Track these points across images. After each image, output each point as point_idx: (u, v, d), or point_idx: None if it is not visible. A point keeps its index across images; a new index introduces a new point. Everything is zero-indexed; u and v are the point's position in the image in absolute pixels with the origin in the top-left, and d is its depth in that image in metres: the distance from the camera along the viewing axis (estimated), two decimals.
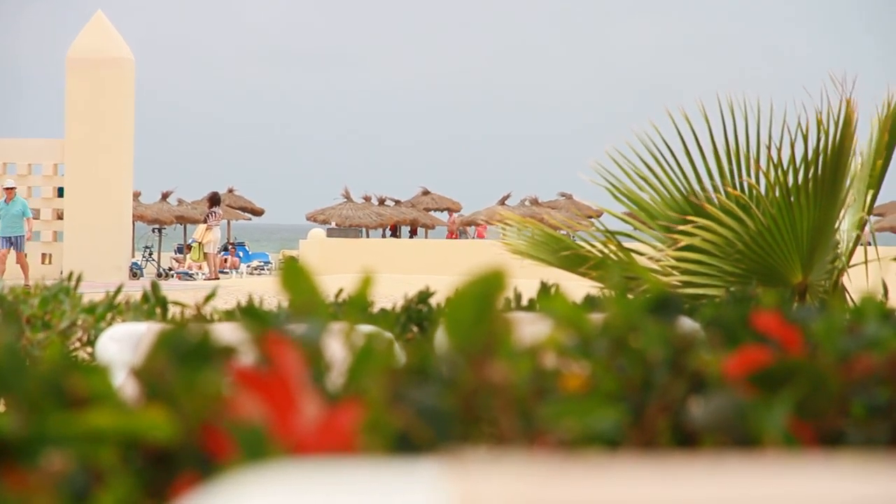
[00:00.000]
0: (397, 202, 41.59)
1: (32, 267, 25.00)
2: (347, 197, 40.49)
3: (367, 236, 40.07)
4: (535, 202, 40.40)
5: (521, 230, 6.24)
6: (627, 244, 6.00)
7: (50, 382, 1.15)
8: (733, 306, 2.41)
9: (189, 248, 31.35)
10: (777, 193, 5.70)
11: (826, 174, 5.68)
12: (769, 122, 5.83)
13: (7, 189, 23.17)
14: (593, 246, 5.93)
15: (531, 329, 1.43)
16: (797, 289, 5.71)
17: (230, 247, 34.69)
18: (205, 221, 30.13)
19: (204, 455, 1.13)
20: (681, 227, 5.76)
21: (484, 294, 1.28)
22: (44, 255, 25.75)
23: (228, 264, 33.30)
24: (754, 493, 0.93)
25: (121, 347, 3.43)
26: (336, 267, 27.35)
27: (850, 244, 5.91)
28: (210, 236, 29.66)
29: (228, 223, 38.16)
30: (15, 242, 23.06)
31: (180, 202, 37.83)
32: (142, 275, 28.01)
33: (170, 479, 1.13)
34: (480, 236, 41.08)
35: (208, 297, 3.64)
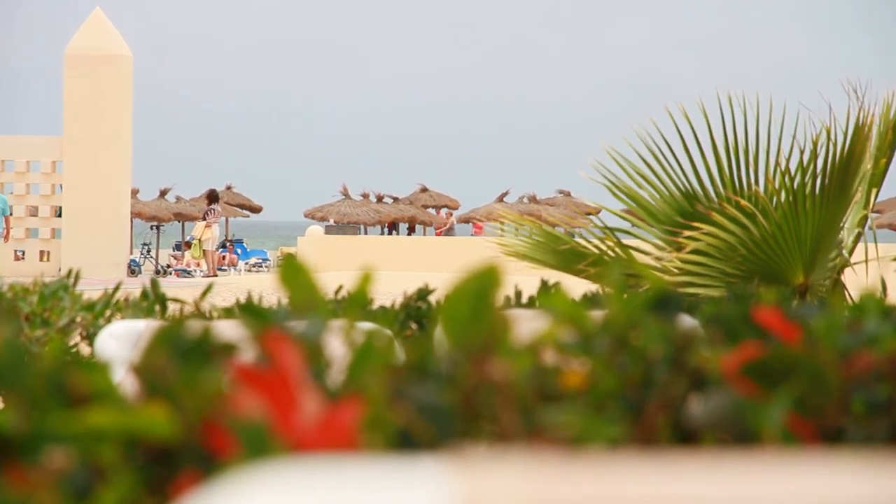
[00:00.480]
0: (395, 199, 41.56)
1: (31, 264, 24.99)
2: (345, 194, 40.45)
3: (366, 233, 40.06)
4: (533, 199, 40.39)
5: (519, 228, 6.24)
6: (627, 241, 6.00)
7: (51, 379, 1.15)
8: (733, 304, 2.41)
9: (187, 245, 31.34)
10: (783, 199, 5.68)
11: (834, 179, 5.67)
12: (768, 121, 5.83)
13: None
14: (590, 243, 5.92)
15: (530, 326, 1.43)
16: (798, 289, 5.71)
17: (228, 244, 34.68)
18: (204, 218, 30.13)
19: (205, 452, 1.13)
20: (686, 234, 5.74)
21: (480, 291, 1.28)
22: (42, 252, 25.74)
23: (227, 261, 33.30)
24: (754, 491, 0.93)
25: (120, 344, 3.43)
26: (334, 264, 27.34)
27: (851, 242, 5.91)
28: (209, 233, 29.67)
29: (227, 220, 38.15)
30: None
31: (178, 199, 37.81)
32: (140, 272, 27.99)
33: (171, 477, 1.13)
34: (478, 233, 41.08)
35: (205, 293, 3.64)
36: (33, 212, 25.72)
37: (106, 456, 1.10)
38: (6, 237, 23.64)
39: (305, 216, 40.55)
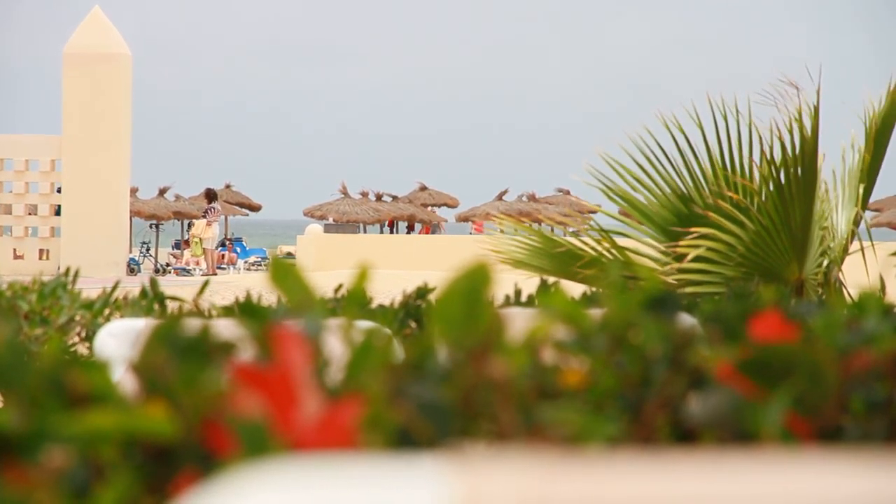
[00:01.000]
0: (395, 198, 41.56)
1: (30, 263, 24.99)
2: (345, 192, 40.45)
3: (365, 232, 40.06)
4: (532, 198, 40.40)
5: (517, 230, 6.24)
6: (624, 242, 6.01)
7: (50, 378, 1.15)
8: (733, 302, 2.41)
9: (187, 243, 31.34)
10: (772, 189, 5.70)
11: (806, 167, 5.69)
12: (750, 120, 5.85)
13: None
14: (587, 244, 5.93)
15: (528, 325, 1.43)
16: (794, 284, 5.71)
17: (228, 243, 34.69)
18: (204, 217, 30.14)
19: (204, 451, 1.14)
20: (685, 242, 5.74)
21: (472, 289, 1.28)
22: (41, 250, 25.74)
23: (226, 260, 33.31)
24: (753, 490, 0.93)
25: (119, 343, 3.43)
26: (333, 263, 27.34)
27: (844, 239, 5.91)
28: (210, 232, 29.69)
29: (226, 219, 38.15)
30: None
31: (178, 198, 37.81)
32: (139, 271, 27.99)
33: (170, 476, 1.13)
34: (478, 231, 41.10)
35: (201, 290, 3.65)
36: (32, 210, 25.72)
37: (105, 455, 1.10)
38: None
39: (305, 215, 40.55)
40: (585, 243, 5.95)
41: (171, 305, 3.95)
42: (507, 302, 4.07)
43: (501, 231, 6.31)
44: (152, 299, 3.97)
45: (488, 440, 1.28)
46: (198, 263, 29.66)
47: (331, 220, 38.89)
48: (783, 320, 1.47)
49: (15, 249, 25.74)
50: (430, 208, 42.20)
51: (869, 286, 1.85)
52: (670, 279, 5.71)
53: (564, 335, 1.44)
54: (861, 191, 5.91)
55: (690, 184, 5.95)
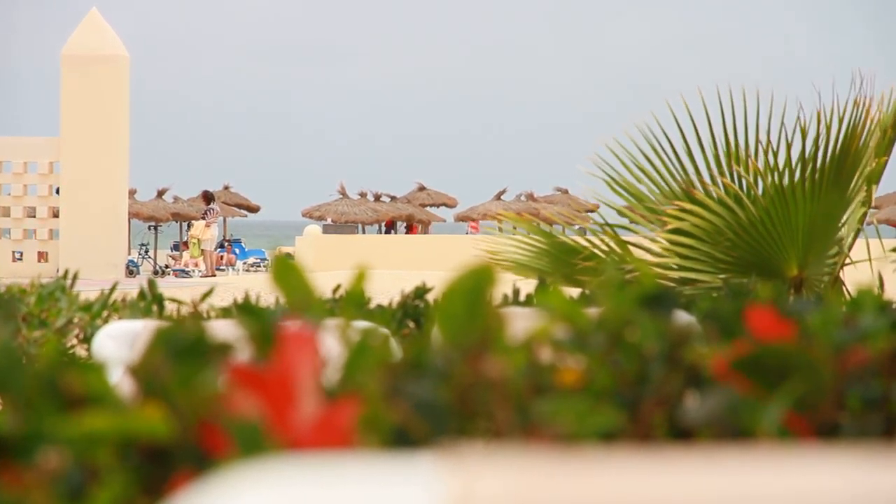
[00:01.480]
0: (393, 198, 41.55)
1: (29, 265, 24.98)
2: (343, 193, 40.42)
3: (363, 232, 40.06)
4: (531, 197, 40.39)
5: (516, 228, 6.24)
6: (625, 237, 6.02)
7: (46, 380, 1.15)
8: (730, 300, 2.41)
9: (186, 245, 31.34)
10: (770, 185, 5.70)
11: (827, 170, 5.68)
12: (769, 114, 5.84)
13: None
14: (588, 240, 5.94)
15: (526, 324, 1.43)
16: (793, 282, 5.71)
17: (226, 244, 34.68)
18: (203, 218, 30.13)
19: (201, 452, 1.14)
20: (668, 209, 5.78)
21: (474, 288, 1.28)
22: (40, 253, 25.73)
23: (225, 261, 33.30)
24: (750, 487, 0.93)
25: (117, 345, 3.43)
26: (332, 263, 27.33)
27: (851, 238, 5.92)
28: (209, 233, 29.69)
29: (224, 220, 38.15)
30: None
31: (176, 199, 37.80)
32: (138, 272, 27.99)
33: (166, 476, 1.13)
34: (474, 231, 41.11)
35: (205, 295, 3.65)
36: (31, 213, 25.70)
37: (101, 457, 1.10)
38: None
39: (303, 215, 40.52)
40: (588, 240, 5.96)
41: (170, 307, 3.95)
42: (506, 302, 4.07)
43: (500, 230, 6.31)
44: (150, 301, 3.97)
45: (485, 439, 1.28)
46: (197, 265, 29.66)
47: (329, 221, 38.87)
48: (778, 317, 1.47)
49: (13, 252, 25.73)
50: (428, 208, 42.19)
51: (867, 283, 1.85)
52: (661, 254, 5.72)
53: (561, 334, 1.44)
54: (870, 192, 5.91)
55: (694, 175, 5.96)
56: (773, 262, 5.70)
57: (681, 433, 1.37)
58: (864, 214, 5.93)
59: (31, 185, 25.63)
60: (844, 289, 5.83)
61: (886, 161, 5.95)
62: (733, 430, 1.34)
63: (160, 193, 37.43)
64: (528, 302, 4.04)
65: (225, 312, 3.66)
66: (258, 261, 34.64)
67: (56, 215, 25.58)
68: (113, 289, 4.05)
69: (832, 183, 5.69)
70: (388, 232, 41.85)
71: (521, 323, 1.41)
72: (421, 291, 4.16)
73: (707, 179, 5.92)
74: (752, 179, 5.73)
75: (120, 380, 1.25)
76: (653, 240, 5.92)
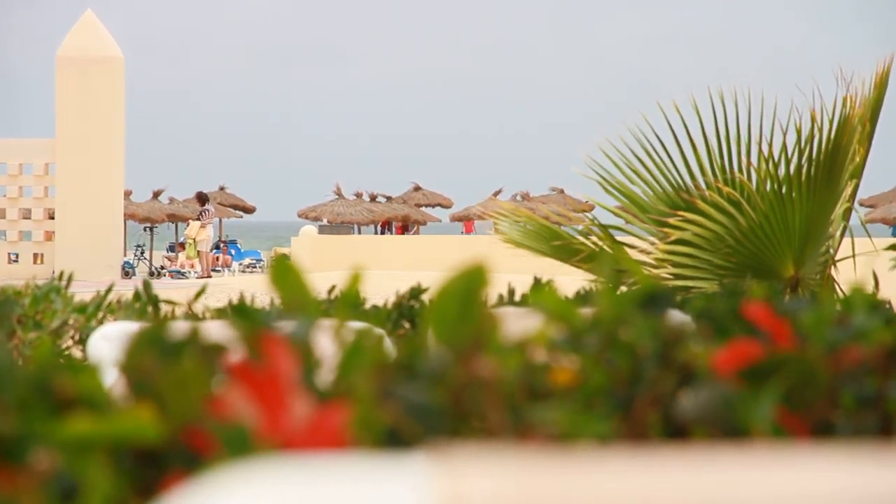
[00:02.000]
0: (389, 198, 41.56)
1: (24, 267, 24.96)
2: (339, 194, 40.44)
3: (359, 233, 40.06)
4: (526, 197, 40.42)
5: (515, 221, 6.24)
6: (619, 237, 6.02)
7: (38, 382, 1.15)
8: (724, 299, 2.41)
9: (182, 246, 31.33)
10: (768, 188, 5.71)
11: (820, 169, 5.69)
12: (760, 114, 5.85)
13: None
14: (586, 238, 5.95)
15: (521, 324, 1.43)
16: (788, 282, 5.72)
17: (222, 245, 34.67)
18: (198, 219, 30.13)
19: (192, 453, 1.13)
20: (670, 220, 5.78)
21: (468, 289, 1.28)
22: (35, 254, 25.71)
23: (220, 262, 33.29)
24: (745, 486, 0.93)
25: (112, 346, 3.43)
26: (328, 264, 27.32)
27: (838, 235, 5.93)
28: (204, 234, 29.69)
29: (220, 221, 38.14)
30: None
31: (171, 200, 37.79)
32: (134, 274, 27.99)
33: (157, 478, 1.13)
34: (468, 231, 41.15)
35: (198, 295, 3.65)
36: (26, 214, 25.68)
37: (91, 460, 1.10)
38: None
39: (299, 216, 40.53)
40: (585, 236, 5.96)
41: (165, 308, 3.95)
42: (501, 301, 4.07)
43: (497, 223, 6.31)
44: (146, 302, 3.97)
45: (478, 440, 1.28)
46: (192, 266, 29.66)
47: (325, 222, 38.88)
48: (771, 315, 1.47)
49: (9, 253, 25.72)
50: (424, 209, 42.20)
51: (859, 282, 1.85)
52: (659, 266, 5.72)
53: (555, 334, 1.44)
54: (850, 187, 5.92)
55: (687, 175, 5.96)
56: (771, 263, 5.70)
57: (675, 432, 1.37)
58: (849, 210, 5.93)
59: (27, 186, 25.59)
60: (837, 287, 5.84)
61: (867, 155, 5.96)
62: (727, 427, 1.34)
63: (156, 195, 37.42)
64: (523, 302, 4.03)
65: (220, 313, 3.66)
66: (254, 262, 34.63)
67: (51, 217, 25.57)
68: (108, 290, 4.05)
69: (825, 181, 5.71)
70: (383, 232, 41.86)
71: (515, 323, 1.41)
72: (416, 292, 4.16)
73: (701, 182, 5.92)
74: (752, 184, 5.74)
75: (115, 381, 1.25)
76: (649, 253, 5.91)
